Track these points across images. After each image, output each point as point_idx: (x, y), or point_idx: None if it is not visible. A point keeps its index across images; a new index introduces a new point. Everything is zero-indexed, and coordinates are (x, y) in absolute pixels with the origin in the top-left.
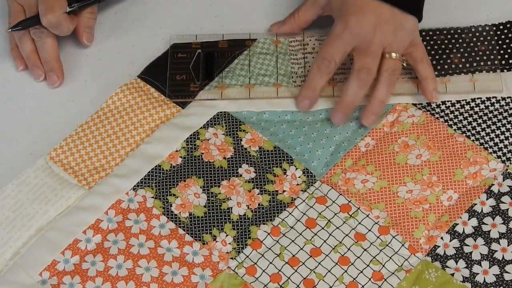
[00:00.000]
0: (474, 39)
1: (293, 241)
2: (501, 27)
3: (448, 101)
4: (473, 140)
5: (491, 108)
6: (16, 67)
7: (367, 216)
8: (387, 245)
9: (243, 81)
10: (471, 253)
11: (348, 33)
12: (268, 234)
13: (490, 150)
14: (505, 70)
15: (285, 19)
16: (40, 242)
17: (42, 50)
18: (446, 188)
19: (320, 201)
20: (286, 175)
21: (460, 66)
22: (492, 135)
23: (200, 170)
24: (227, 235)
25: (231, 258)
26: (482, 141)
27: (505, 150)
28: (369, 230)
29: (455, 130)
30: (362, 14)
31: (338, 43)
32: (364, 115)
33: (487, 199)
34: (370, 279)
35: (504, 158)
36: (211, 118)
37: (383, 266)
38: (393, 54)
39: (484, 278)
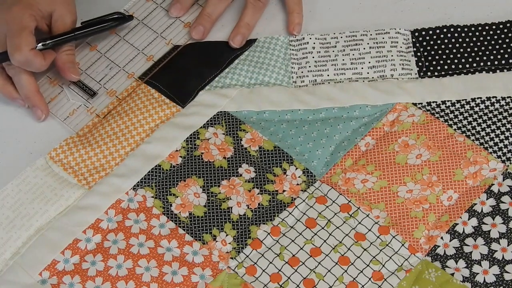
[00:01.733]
0: (474, 38)
1: (293, 241)
2: (501, 26)
3: (448, 101)
4: (473, 140)
5: (491, 108)
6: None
7: (367, 216)
8: (387, 245)
9: (243, 81)
10: (471, 253)
11: None
12: (268, 234)
13: (490, 150)
14: (505, 70)
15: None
16: (40, 241)
17: (20, 87)
18: (446, 188)
19: (320, 201)
20: (286, 175)
21: (460, 65)
22: (492, 135)
23: (200, 170)
24: (227, 235)
25: (231, 258)
26: (482, 141)
27: (505, 150)
28: (369, 230)
29: (455, 129)
30: None
31: None
32: (231, 36)
33: (487, 199)
34: (370, 279)
35: (504, 158)
36: (211, 118)
37: (383, 266)
38: None
39: (484, 278)
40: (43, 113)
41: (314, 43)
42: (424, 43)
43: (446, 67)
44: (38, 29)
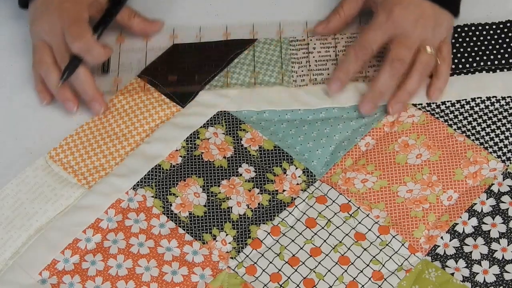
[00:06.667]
0: (474, 38)
1: (293, 240)
2: (501, 26)
3: (448, 101)
4: (473, 140)
5: (491, 108)
6: (40, 100)
7: (367, 215)
8: (387, 244)
9: (243, 80)
10: (471, 252)
11: (391, 23)
12: (268, 233)
13: (490, 149)
14: (505, 70)
15: (329, 17)
16: (40, 241)
17: (78, 83)
18: (446, 187)
19: (320, 200)
20: (286, 175)
21: (460, 65)
22: (492, 134)
23: (200, 170)
24: (227, 235)
25: (231, 258)
26: (482, 140)
27: (505, 150)
28: (369, 230)
29: (455, 129)
30: (406, 6)
31: (379, 32)
32: (391, 103)
33: (487, 198)
34: (370, 278)
35: (504, 158)
36: (211, 118)
37: (383, 265)
38: (429, 49)
39: (484, 277)
40: (101, 106)
41: (314, 43)
42: None
43: None
44: (90, 20)
